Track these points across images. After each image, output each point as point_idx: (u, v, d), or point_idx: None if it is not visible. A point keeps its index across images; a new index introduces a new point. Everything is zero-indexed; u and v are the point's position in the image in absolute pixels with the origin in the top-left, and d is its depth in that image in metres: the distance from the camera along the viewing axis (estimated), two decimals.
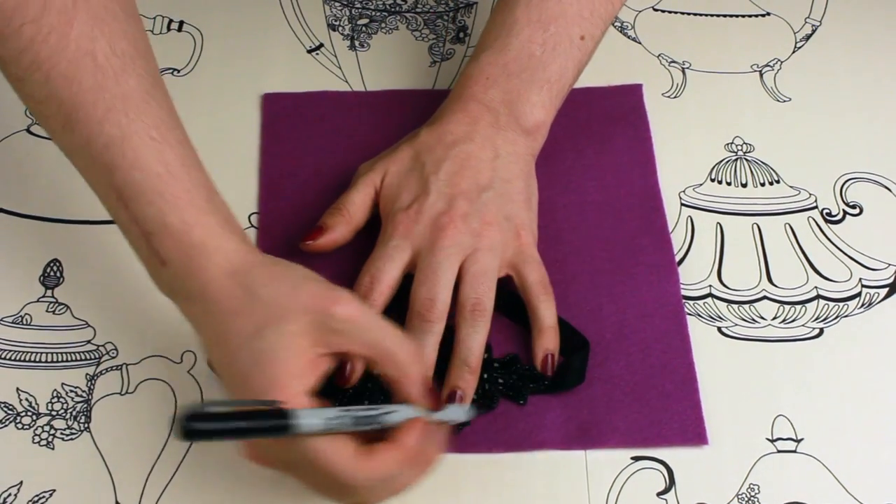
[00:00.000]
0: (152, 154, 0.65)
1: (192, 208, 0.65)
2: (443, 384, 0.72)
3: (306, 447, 0.60)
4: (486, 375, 0.73)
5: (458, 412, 0.69)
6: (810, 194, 0.84)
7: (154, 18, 0.93)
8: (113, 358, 0.75)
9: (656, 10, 0.94)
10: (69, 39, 0.64)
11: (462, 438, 0.72)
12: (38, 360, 0.75)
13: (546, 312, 0.74)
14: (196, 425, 0.54)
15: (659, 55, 0.91)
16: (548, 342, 0.74)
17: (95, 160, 0.65)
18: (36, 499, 0.70)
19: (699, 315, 0.78)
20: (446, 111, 0.79)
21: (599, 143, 0.85)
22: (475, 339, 0.72)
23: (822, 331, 0.77)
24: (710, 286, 0.79)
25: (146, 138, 0.65)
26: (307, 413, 0.58)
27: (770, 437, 0.73)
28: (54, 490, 0.70)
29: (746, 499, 0.70)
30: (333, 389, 0.65)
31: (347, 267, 0.76)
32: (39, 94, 0.65)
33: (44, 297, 0.78)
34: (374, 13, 0.94)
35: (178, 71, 0.89)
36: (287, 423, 0.57)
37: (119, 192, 0.65)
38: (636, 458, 0.72)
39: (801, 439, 0.73)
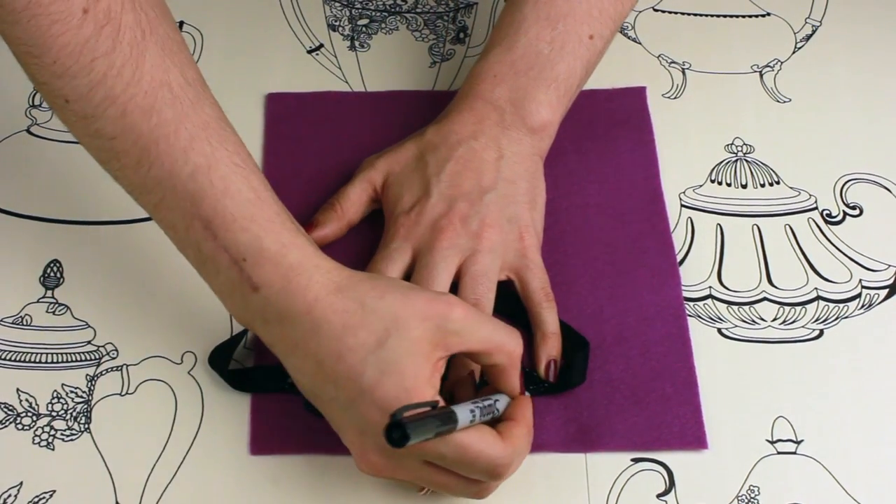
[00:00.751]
0: (240, 180, 0.65)
1: (285, 231, 0.66)
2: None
3: (458, 442, 0.62)
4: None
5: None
6: (810, 195, 0.84)
7: None
8: (113, 358, 0.75)
9: (656, 10, 0.94)
10: (143, 71, 0.63)
11: None
12: (38, 360, 0.75)
13: (548, 319, 0.74)
14: (403, 432, 0.55)
15: (659, 56, 0.91)
16: (551, 349, 0.74)
17: (178, 192, 0.65)
18: (36, 500, 0.70)
19: (699, 316, 0.78)
20: (453, 110, 0.79)
21: (602, 145, 0.85)
22: None
23: (822, 332, 0.77)
24: (710, 287, 0.79)
25: (231, 165, 0.65)
26: (458, 410, 0.61)
27: (770, 439, 0.73)
28: (54, 491, 0.71)
29: (746, 500, 0.70)
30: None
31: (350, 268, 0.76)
32: (113, 130, 0.64)
33: (44, 297, 0.78)
34: (374, 13, 0.94)
35: None
36: (456, 420, 0.60)
37: (207, 221, 0.65)
38: (636, 460, 0.72)
39: (801, 441, 0.73)
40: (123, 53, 0.63)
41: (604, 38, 0.79)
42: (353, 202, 0.78)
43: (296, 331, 0.64)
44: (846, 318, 0.78)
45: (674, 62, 0.91)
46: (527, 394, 0.70)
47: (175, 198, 0.65)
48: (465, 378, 0.70)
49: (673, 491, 0.71)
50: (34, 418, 0.73)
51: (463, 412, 0.62)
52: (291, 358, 0.66)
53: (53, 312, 0.77)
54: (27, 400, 0.74)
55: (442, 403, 0.63)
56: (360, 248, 0.79)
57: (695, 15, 0.94)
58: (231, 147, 0.66)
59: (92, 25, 0.62)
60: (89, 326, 0.77)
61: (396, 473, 0.65)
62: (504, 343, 0.66)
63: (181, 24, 0.92)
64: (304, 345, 0.64)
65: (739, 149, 0.86)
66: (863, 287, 0.79)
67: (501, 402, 0.67)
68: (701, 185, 0.84)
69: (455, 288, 0.73)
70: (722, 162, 0.85)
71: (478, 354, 0.66)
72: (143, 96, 0.64)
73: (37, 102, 0.87)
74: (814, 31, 0.93)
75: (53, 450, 0.72)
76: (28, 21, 0.61)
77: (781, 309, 0.78)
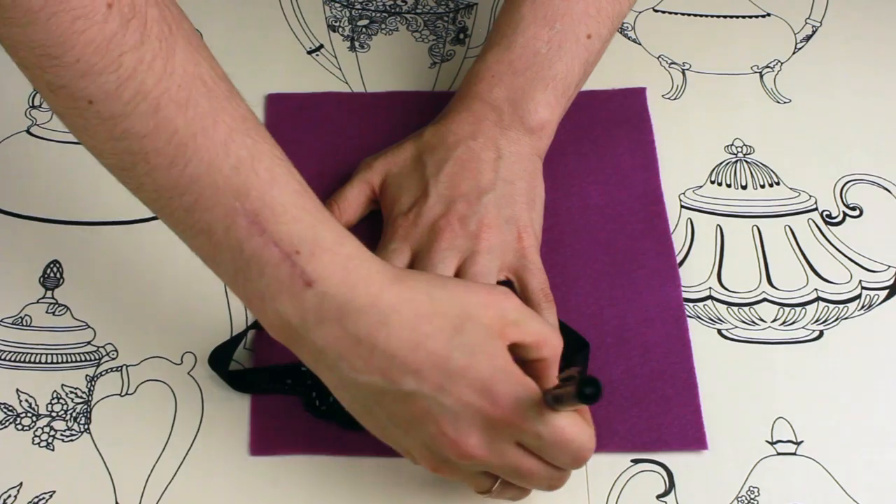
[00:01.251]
0: (285, 171, 0.63)
1: (336, 223, 0.63)
2: None
3: (556, 423, 0.62)
4: None
5: None
6: (810, 196, 0.84)
7: None
8: (113, 359, 0.75)
9: (657, 10, 0.94)
10: (175, 64, 0.60)
11: None
12: (38, 361, 0.75)
13: (548, 319, 0.74)
14: (597, 387, 0.56)
15: (659, 56, 0.91)
16: None
17: (219, 187, 0.61)
18: (36, 500, 0.70)
19: (699, 317, 0.78)
20: (451, 110, 0.79)
21: (602, 146, 0.85)
22: None
23: (821, 333, 0.77)
24: (710, 288, 0.79)
25: (273, 157, 0.63)
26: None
27: (770, 440, 0.73)
28: (54, 491, 0.71)
29: (746, 501, 0.70)
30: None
31: None
32: (144, 128, 0.60)
33: (44, 298, 0.78)
34: (374, 14, 0.94)
35: None
36: (584, 391, 0.57)
37: (254, 215, 0.61)
38: (636, 461, 0.72)
39: (801, 442, 0.73)
40: (153, 47, 0.60)
41: (602, 38, 0.79)
42: (351, 203, 0.78)
43: (360, 325, 0.61)
44: (846, 318, 0.78)
45: (674, 63, 0.91)
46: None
47: (214, 195, 0.61)
48: None
49: (673, 492, 0.71)
50: (34, 419, 0.73)
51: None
52: (351, 359, 0.62)
53: (53, 313, 0.77)
54: (27, 400, 0.74)
55: None
56: None
57: (695, 15, 0.94)
58: (270, 141, 0.64)
59: (118, 19, 0.59)
60: (89, 327, 0.77)
61: (490, 458, 0.63)
62: (551, 337, 0.65)
63: None
64: (370, 339, 0.61)
65: (739, 150, 0.86)
66: (863, 288, 0.79)
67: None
68: (701, 186, 0.84)
69: None
70: (722, 163, 0.85)
71: (528, 347, 0.64)
72: (178, 89, 0.60)
73: (37, 103, 0.87)
74: (814, 32, 0.93)
75: (53, 450, 0.72)
76: (47, 20, 0.58)
77: (781, 310, 0.78)
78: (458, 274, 0.74)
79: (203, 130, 0.61)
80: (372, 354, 0.61)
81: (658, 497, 0.71)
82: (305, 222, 0.62)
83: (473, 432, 0.62)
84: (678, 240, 0.81)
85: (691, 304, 0.78)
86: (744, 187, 0.84)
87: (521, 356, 0.65)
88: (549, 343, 0.65)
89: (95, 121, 0.61)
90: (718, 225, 0.82)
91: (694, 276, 0.79)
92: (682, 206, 0.83)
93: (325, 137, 0.85)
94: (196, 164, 0.61)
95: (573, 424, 0.63)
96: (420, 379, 0.61)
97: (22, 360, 0.75)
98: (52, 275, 0.79)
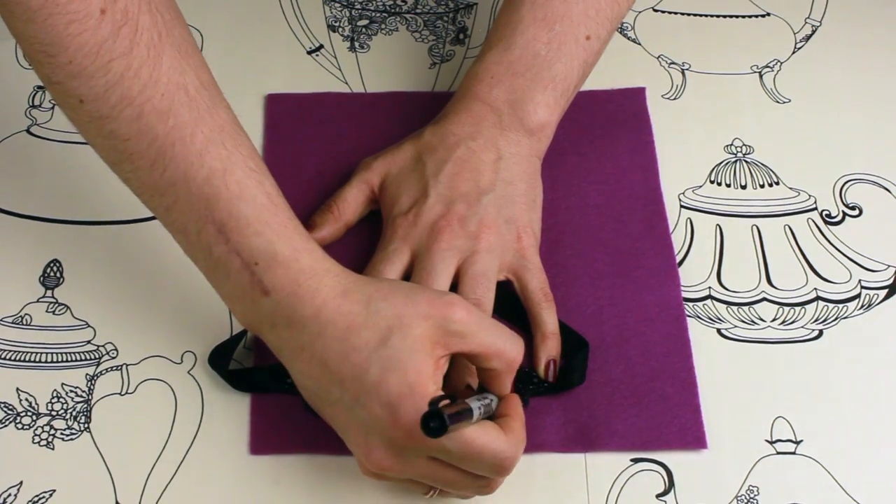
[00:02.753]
0: (254, 184, 0.66)
1: (297, 236, 0.67)
2: None
3: (464, 438, 0.62)
4: None
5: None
6: (810, 196, 0.84)
7: None
8: (113, 358, 0.75)
9: (656, 10, 0.94)
10: (160, 73, 0.64)
11: None
12: (38, 360, 0.75)
13: (547, 319, 0.75)
14: (442, 422, 0.57)
15: (659, 56, 0.91)
16: (550, 349, 0.74)
17: (193, 194, 0.65)
18: (36, 499, 0.70)
19: (698, 317, 0.78)
20: (450, 111, 0.79)
21: (601, 146, 0.85)
22: None
23: (821, 332, 0.77)
24: (710, 288, 0.79)
25: (246, 169, 0.66)
26: (471, 404, 0.62)
27: (769, 439, 0.73)
28: (54, 490, 0.71)
29: (746, 500, 0.70)
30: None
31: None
32: (128, 132, 0.64)
33: (44, 297, 0.78)
34: (374, 14, 0.94)
35: None
36: (472, 414, 0.61)
37: (220, 224, 0.65)
38: (635, 460, 0.72)
39: (801, 441, 0.73)
40: (141, 55, 0.63)
41: (601, 39, 0.80)
42: (350, 203, 0.79)
43: (303, 334, 0.65)
44: (846, 318, 0.78)
45: (673, 63, 0.91)
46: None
47: (189, 200, 0.65)
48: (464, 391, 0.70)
49: (672, 491, 0.71)
50: (34, 418, 0.73)
51: (473, 406, 0.62)
52: (297, 362, 0.66)
53: (53, 312, 0.77)
54: (27, 399, 0.74)
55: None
56: (359, 249, 0.79)
57: (694, 15, 0.94)
58: (245, 151, 0.67)
59: (110, 26, 0.62)
60: (89, 326, 0.77)
61: (402, 471, 0.65)
62: (504, 350, 0.66)
63: None
64: (310, 347, 0.65)
65: (739, 149, 0.86)
66: (862, 287, 0.79)
67: (494, 401, 0.68)
68: (700, 186, 0.84)
69: (454, 289, 0.73)
70: (721, 163, 0.85)
71: (477, 357, 0.66)
72: (160, 98, 0.64)
73: (37, 103, 0.87)
74: (814, 32, 0.93)
75: (53, 449, 0.72)
76: (44, 20, 0.61)
77: (781, 309, 0.78)
78: (459, 273, 0.74)
79: (181, 140, 0.64)
80: (311, 362, 0.65)
81: (657, 496, 0.71)
82: (265, 237, 0.65)
83: (381, 446, 0.64)
84: (678, 240, 0.81)
85: (691, 304, 0.78)
86: (743, 187, 0.84)
87: (475, 364, 0.67)
88: (503, 356, 0.66)
89: (86, 118, 0.64)
90: (718, 225, 0.82)
91: (693, 275, 0.79)
92: (681, 206, 0.83)
93: (324, 137, 0.85)
94: (173, 171, 0.65)
95: (483, 435, 0.63)
96: (343, 389, 0.64)
97: (22, 359, 0.75)
98: (52, 274, 0.79)
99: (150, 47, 0.63)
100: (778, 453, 0.72)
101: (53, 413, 0.73)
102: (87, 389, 0.74)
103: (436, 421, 0.57)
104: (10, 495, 0.70)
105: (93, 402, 0.74)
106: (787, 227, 0.82)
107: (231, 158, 0.65)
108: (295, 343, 0.66)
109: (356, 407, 0.64)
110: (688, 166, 0.85)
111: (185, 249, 0.68)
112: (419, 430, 0.58)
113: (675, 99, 0.89)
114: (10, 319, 0.77)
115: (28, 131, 0.86)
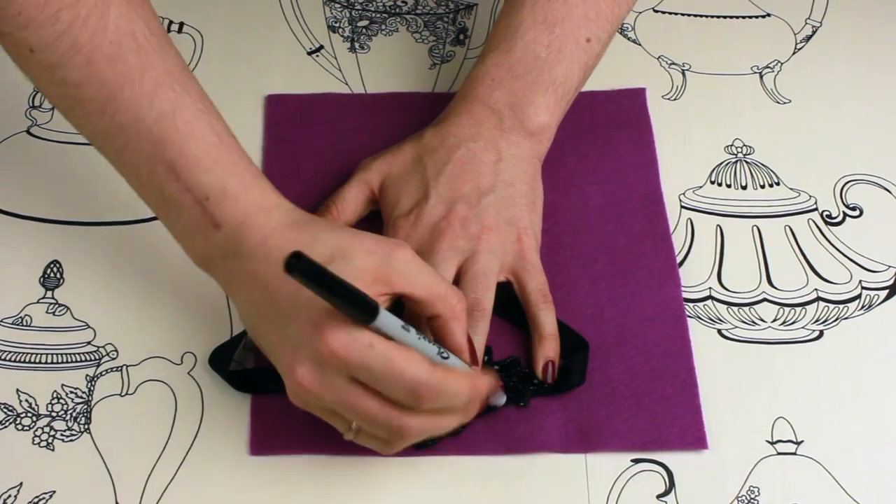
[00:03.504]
0: (204, 125, 0.68)
1: (247, 173, 0.68)
2: None
3: (386, 353, 0.61)
4: None
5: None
6: (810, 196, 0.84)
7: None
8: (113, 359, 0.75)
9: (657, 11, 0.94)
10: (108, 21, 0.66)
11: (462, 440, 0.72)
12: (38, 361, 0.75)
13: (545, 320, 0.74)
14: (299, 262, 0.56)
15: (659, 57, 0.91)
16: (548, 350, 0.74)
17: (143, 136, 0.67)
18: (36, 500, 0.70)
19: (699, 317, 0.78)
20: (451, 113, 0.79)
21: (602, 146, 0.85)
22: (475, 340, 0.72)
23: (821, 333, 0.77)
24: (710, 288, 0.79)
25: (195, 110, 0.68)
26: (386, 313, 0.61)
27: (770, 440, 0.73)
28: (54, 491, 0.70)
29: (746, 501, 0.70)
30: None
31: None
32: (77, 78, 0.66)
33: (44, 298, 0.78)
34: (374, 15, 0.94)
35: None
36: (377, 308, 0.60)
37: (171, 163, 0.67)
38: (636, 461, 0.72)
39: (801, 441, 0.73)
40: (88, 4, 0.65)
41: (601, 41, 0.80)
42: (350, 203, 0.79)
43: (250, 262, 0.66)
44: (846, 318, 0.78)
45: (674, 63, 0.91)
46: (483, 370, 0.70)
47: (139, 142, 0.67)
48: None
49: (673, 491, 0.71)
50: (34, 419, 0.73)
51: (391, 318, 0.61)
52: (242, 291, 0.68)
53: (53, 313, 0.77)
54: (27, 400, 0.74)
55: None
56: None
57: (695, 16, 0.94)
58: (194, 94, 0.69)
59: None
60: (89, 327, 0.77)
61: (324, 393, 0.64)
62: (446, 295, 0.66)
63: (181, 25, 0.92)
64: (254, 274, 0.66)
65: (739, 150, 0.86)
66: (863, 288, 0.79)
67: (452, 360, 0.66)
68: (701, 187, 0.84)
69: None
70: (722, 163, 0.85)
71: (420, 302, 0.65)
72: (109, 45, 0.66)
73: (37, 103, 0.87)
74: (814, 32, 0.93)
75: (53, 450, 0.72)
76: None
77: (781, 310, 0.78)
78: (460, 273, 0.74)
79: (130, 84, 0.66)
80: (254, 287, 0.66)
81: (658, 497, 0.71)
82: (215, 173, 0.67)
83: (305, 363, 0.63)
84: (678, 240, 0.81)
85: (691, 304, 0.78)
86: (744, 187, 0.84)
87: (418, 312, 0.66)
88: (445, 300, 0.66)
89: (37, 67, 0.67)
90: (718, 225, 0.82)
91: (694, 276, 0.79)
92: (682, 207, 0.83)
93: (324, 138, 0.85)
94: (123, 114, 0.67)
95: (406, 358, 0.62)
96: (277, 308, 0.65)
97: (22, 360, 0.75)
98: (52, 275, 0.79)
99: None
100: (779, 454, 0.72)
101: (53, 414, 0.73)
102: (87, 390, 0.74)
103: (295, 258, 0.56)
104: (10, 496, 0.70)
105: (93, 403, 0.74)
106: (787, 227, 0.82)
107: (180, 100, 0.67)
108: (243, 272, 0.67)
109: (287, 325, 0.64)
110: (688, 167, 0.85)
111: (137, 191, 0.70)
112: (347, 341, 0.59)
113: (675, 99, 0.89)
114: (10, 320, 0.77)
115: (28, 132, 0.86)
